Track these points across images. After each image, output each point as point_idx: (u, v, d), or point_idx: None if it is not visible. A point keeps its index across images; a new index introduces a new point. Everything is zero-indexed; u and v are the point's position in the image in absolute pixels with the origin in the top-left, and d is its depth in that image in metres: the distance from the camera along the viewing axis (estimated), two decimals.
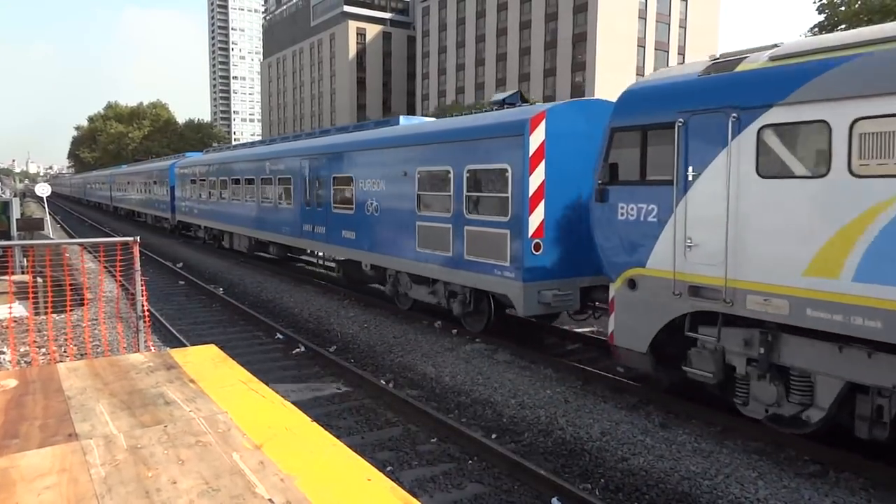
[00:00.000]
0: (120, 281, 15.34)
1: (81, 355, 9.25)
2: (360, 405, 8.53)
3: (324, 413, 8.10)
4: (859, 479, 6.04)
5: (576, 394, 8.48)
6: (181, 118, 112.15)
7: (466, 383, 9.15)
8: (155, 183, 34.19)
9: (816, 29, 29.31)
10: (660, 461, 6.57)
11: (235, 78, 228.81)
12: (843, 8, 28.35)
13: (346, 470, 2.77)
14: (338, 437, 3.26)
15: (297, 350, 11.16)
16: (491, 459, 6.73)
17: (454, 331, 11.73)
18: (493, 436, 7.52)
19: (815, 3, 29.44)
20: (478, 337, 11.18)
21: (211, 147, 39.28)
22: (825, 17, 28.98)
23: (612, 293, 8.20)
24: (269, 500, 2.48)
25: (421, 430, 7.64)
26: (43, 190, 30.37)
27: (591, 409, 7.91)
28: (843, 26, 28.04)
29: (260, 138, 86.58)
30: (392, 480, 2.68)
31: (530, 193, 9.70)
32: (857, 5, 27.79)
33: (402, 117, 14.61)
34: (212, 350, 4.75)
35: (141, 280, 7.88)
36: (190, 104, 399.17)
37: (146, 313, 8.16)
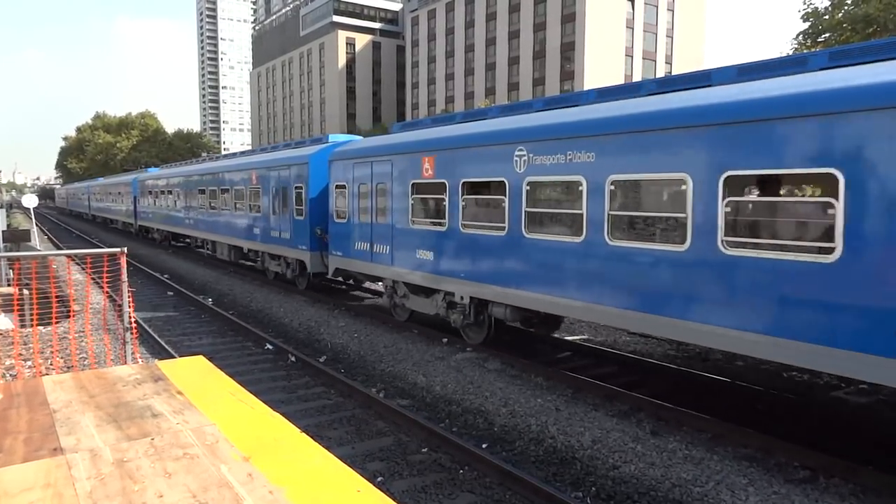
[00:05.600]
0: (107, 292, 15.21)
1: (67, 368, 9.14)
2: (350, 415, 8.48)
3: (314, 424, 8.04)
4: (849, 485, 6.06)
5: (567, 402, 8.47)
6: (171, 128, 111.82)
7: (457, 392, 9.13)
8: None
9: (801, 37, 29.69)
10: (651, 468, 6.57)
11: (225, 88, 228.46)
12: (826, 17, 28.72)
13: (336, 481, 2.75)
14: (328, 447, 3.23)
15: (287, 360, 11.09)
16: (482, 469, 6.70)
17: (444, 340, 11.71)
18: (485, 445, 7.50)
19: (800, 11, 29.83)
20: (468, 346, 11.19)
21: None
22: (809, 26, 29.34)
23: None
24: None
25: (412, 439, 7.60)
26: (30, 201, 30.14)
27: (582, 418, 7.90)
28: (826, 35, 28.42)
29: (250, 148, 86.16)
30: (382, 491, 2.66)
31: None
32: (840, 15, 28.17)
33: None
34: (200, 361, 4.71)
35: (128, 291, 7.82)
36: (180, 114, 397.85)
37: (133, 325, 8.09)
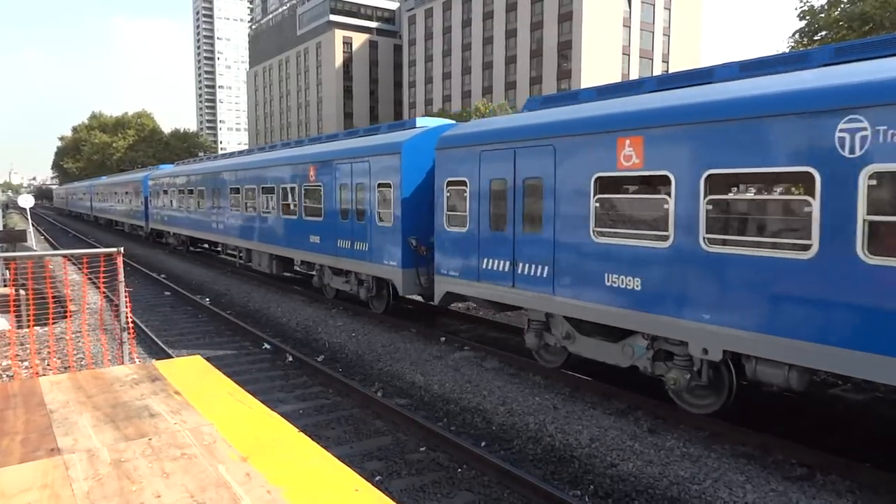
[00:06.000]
0: (104, 292, 15.19)
1: (65, 368, 9.12)
2: (348, 415, 8.48)
3: (312, 423, 8.04)
4: (846, 482, 6.07)
5: (564, 400, 8.48)
6: (168, 127, 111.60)
7: (455, 391, 9.13)
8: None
9: (798, 35, 29.74)
10: (649, 466, 6.58)
11: (221, 87, 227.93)
12: (822, 15, 28.77)
13: (334, 480, 2.75)
14: (326, 447, 3.23)
15: (285, 360, 11.08)
16: (480, 468, 6.71)
17: (442, 339, 11.71)
18: (483, 444, 7.50)
19: (796, 9, 29.89)
20: (466, 345, 11.18)
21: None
22: (806, 24, 29.40)
23: None
24: None
25: (410, 438, 7.61)
26: (26, 201, 30.12)
27: (580, 416, 7.91)
28: (823, 33, 28.47)
29: (247, 147, 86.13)
30: (381, 490, 2.66)
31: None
32: (836, 13, 28.22)
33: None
34: (197, 361, 4.71)
35: (125, 291, 7.81)
36: (177, 114, 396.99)
37: (130, 325, 8.08)
